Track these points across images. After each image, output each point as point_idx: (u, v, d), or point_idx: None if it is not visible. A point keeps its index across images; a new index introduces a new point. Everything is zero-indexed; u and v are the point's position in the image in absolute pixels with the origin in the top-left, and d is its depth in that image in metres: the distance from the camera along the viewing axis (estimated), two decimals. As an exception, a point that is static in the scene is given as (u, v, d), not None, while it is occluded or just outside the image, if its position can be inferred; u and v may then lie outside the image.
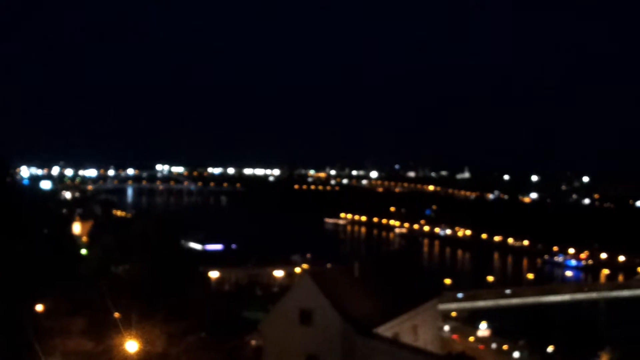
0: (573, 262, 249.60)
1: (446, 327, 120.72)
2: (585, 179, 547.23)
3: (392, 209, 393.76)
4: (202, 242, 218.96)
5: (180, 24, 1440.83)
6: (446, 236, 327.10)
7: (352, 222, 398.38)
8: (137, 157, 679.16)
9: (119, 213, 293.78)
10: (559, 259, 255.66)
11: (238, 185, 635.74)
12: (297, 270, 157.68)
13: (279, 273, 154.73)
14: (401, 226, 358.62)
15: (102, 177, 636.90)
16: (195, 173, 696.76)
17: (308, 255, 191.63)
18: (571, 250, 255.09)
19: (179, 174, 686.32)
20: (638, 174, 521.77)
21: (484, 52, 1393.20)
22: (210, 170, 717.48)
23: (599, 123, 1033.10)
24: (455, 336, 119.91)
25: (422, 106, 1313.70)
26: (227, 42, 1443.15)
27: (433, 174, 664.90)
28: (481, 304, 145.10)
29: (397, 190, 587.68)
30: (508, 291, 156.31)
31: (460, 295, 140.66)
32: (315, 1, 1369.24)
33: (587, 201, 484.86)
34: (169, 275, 61.49)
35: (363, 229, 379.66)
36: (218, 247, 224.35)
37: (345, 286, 55.09)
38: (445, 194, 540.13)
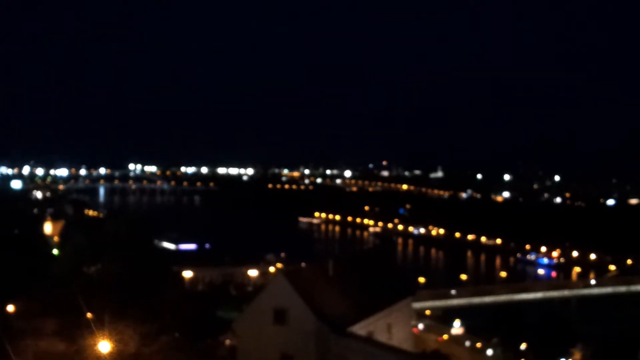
0: (545, 261, 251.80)
1: (420, 326, 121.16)
2: (557, 178, 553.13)
3: (366, 208, 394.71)
4: (176, 242, 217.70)
5: (151, 22, 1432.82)
6: (420, 235, 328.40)
7: (326, 221, 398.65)
8: (109, 157, 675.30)
9: (90, 213, 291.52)
10: (532, 257, 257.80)
11: (211, 184, 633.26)
12: (272, 269, 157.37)
13: (253, 272, 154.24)
14: (375, 225, 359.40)
15: (74, 177, 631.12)
16: (168, 172, 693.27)
17: (282, 255, 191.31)
18: (543, 249, 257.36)
19: (152, 173, 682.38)
20: (608, 173, 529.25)
21: (459, 52, 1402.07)
22: (183, 169, 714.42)
23: (571, 123, 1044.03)
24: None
25: (395, 106, 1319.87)
26: (202, 42, 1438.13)
27: (407, 173, 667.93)
28: (455, 302, 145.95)
29: (370, 189, 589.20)
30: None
31: (433, 293, 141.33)
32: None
33: (558, 200, 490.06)
34: (142, 275, 61.03)
35: (337, 228, 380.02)
36: (192, 246, 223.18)
37: (319, 285, 55.08)
38: (418, 193, 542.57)
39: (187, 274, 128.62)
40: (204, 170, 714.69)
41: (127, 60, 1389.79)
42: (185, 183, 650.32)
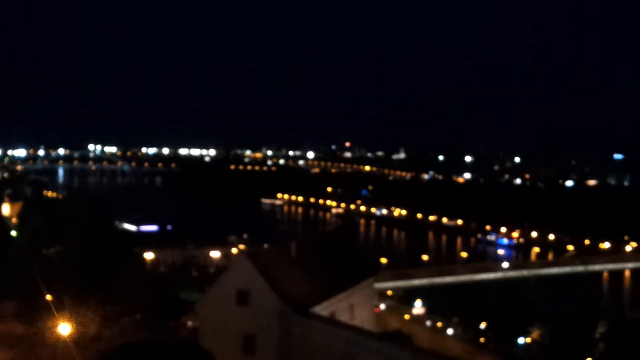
0: (505, 241, 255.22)
1: (382, 306, 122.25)
2: (517, 159, 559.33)
3: (329, 189, 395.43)
4: (137, 224, 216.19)
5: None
6: (382, 216, 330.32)
7: (289, 203, 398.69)
8: (69, 137, 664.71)
9: (49, 194, 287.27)
10: (492, 237, 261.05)
11: (173, 165, 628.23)
12: (234, 251, 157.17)
13: (215, 254, 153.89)
14: (338, 206, 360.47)
15: (32, 157, 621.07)
16: (129, 153, 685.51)
17: (245, 236, 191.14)
18: (503, 229, 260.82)
19: (112, 154, 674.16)
20: (567, 154, 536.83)
21: (420, 35, 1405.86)
22: (144, 150, 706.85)
23: (531, 105, 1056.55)
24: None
25: (358, 87, 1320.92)
26: (169, 20, 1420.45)
27: (369, 155, 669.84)
28: (416, 282, 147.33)
29: (333, 170, 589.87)
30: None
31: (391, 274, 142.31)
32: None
33: (518, 181, 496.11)
34: (102, 257, 60.51)
35: (300, 209, 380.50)
36: (153, 228, 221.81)
37: (282, 266, 55.11)
38: (381, 174, 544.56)
39: (149, 255, 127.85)
40: (166, 151, 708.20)
41: (86, 38, 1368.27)
42: (146, 164, 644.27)
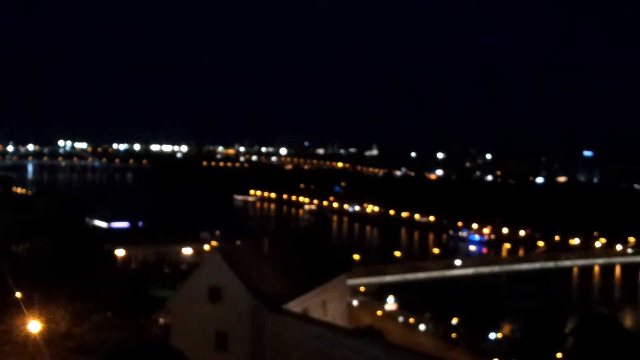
0: (477, 237, 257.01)
1: (355, 302, 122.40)
2: (488, 156, 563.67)
3: (302, 185, 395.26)
4: (108, 220, 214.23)
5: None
6: (355, 212, 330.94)
7: (262, 199, 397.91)
8: (38, 133, 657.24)
9: (19, 190, 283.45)
10: (464, 234, 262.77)
11: (144, 161, 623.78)
12: (206, 247, 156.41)
13: (187, 250, 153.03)
14: (310, 203, 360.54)
15: (1, 153, 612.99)
16: (99, 149, 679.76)
17: (217, 233, 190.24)
18: (475, 226, 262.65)
19: (83, 150, 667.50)
20: (537, 151, 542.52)
21: (395, 34, 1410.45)
22: (115, 146, 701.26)
23: (502, 103, 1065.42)
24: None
25: (331, 84, 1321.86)
26: (143, 17, 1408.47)
27: (342, 151, 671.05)
28: (389, 278, 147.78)
29: (306, 167, 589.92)
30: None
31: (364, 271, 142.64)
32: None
33: (490, 178, 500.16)
34: (73, 254, 59.98)
35: (272, 206, 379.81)
36: (124, 224, 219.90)
37: (254, 263, 54.96)
38: (354, 171, 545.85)
39: (120, 252, 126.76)
40: (137, 147, 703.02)
41: (57, 34, 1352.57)
42: (117, 160, 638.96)
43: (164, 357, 38.05)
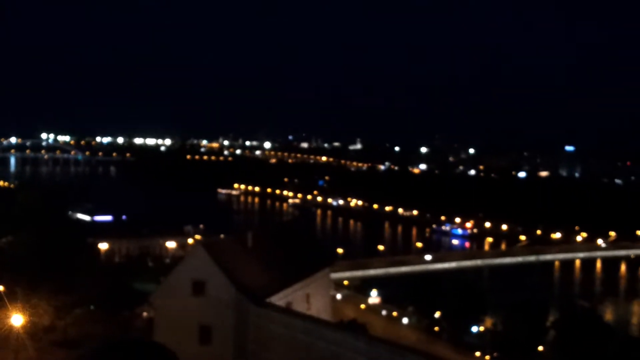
0: (459, 231, 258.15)
1: (338, 296, 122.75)
2: (471, 150, 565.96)
3: (286, 179, 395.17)
4: (91, 213, 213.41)
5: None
6: (339, 206, 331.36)
7: (246, 193, 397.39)
8: (21, 125, 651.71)
9: (1, 183, 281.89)
10: (447, 228, 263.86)
11: (128, 155, 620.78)
12: (190, 241, 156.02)
13: (171, 244, 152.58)
14: (294, 197, 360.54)
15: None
16: (82, 142, 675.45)
17: (201, 226, 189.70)
18: (458, 220, 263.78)
19: (66, 143, 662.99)
20: (520, 146, 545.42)
21: (376, 29, 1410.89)
22: (98, 139, 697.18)
23: (485, 97, 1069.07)
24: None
25: (315, 78, 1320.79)
26: (127, 11, 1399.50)
27: (326, 145, 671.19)
28: (372, 272, 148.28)
29: (290, 161, 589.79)
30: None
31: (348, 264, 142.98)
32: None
33: (472, 172, 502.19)
34: (56, 247, 59.66)
35: (257, 200, 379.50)
36: (107, 218, 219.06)
37: (238, 256, 55.05)
38: (338, 165, 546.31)
39: (103, 246, 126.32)
40: (120, 140, 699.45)
41: (40, 27, 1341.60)
42: (100, 153, 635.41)
43: (147, 352, 38.14)
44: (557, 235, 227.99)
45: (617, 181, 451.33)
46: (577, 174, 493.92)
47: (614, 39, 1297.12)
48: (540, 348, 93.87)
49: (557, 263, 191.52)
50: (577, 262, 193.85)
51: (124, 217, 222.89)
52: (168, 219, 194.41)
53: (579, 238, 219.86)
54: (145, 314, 67.43)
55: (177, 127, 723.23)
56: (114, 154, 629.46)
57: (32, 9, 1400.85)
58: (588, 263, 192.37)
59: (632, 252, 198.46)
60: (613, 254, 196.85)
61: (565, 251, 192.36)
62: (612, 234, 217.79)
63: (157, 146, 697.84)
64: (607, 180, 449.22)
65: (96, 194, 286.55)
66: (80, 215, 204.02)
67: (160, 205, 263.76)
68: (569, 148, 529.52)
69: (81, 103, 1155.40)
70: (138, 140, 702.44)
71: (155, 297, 55.24)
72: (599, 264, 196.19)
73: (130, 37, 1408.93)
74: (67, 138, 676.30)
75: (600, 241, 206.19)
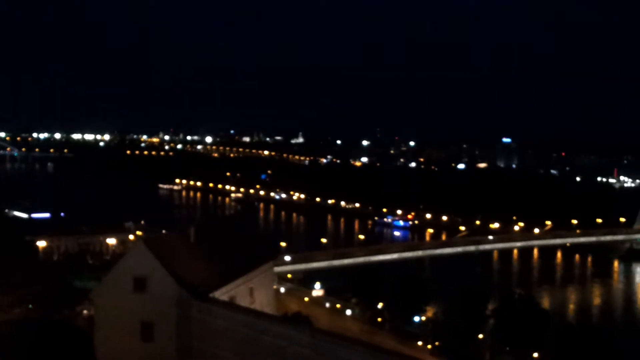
0: (401, 223, 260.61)
1: (282, 289, 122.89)
2: (412, 143, 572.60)
3: (228, 174, 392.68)
4: (28, 211, 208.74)
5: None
6: (281, 200, 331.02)
7: (188, 188, 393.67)
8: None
9: None
10: (388, 220, 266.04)
11: (66, 151, 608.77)
12: (131, 237, 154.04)
13: (111, 241, 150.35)
14: (237, 191, 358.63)
15: None
16: (18, 138, 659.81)
17: (142, 222, 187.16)
18: (399, 212, 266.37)
19: (1, 139, 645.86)
20: (459, 139, 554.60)
21: (314, 25, 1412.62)
22: (35, 135, 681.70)
23: (425, 92, 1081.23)
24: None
25: (258, 72, 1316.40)
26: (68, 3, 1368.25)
27: (268, 139, 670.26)
28: (315, 265, 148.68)
29: (232, 155, 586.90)
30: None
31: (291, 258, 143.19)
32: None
33: (413, 164, 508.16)
34: (-8, 246, 58.55)
35: (199, 195, 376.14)
36: (45, 215, 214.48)
37: (180, 252, 54.95)
38: (280, 159, 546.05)
39: (41, 244, 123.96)
40: (58, 136, 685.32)
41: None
42: (37, 149, 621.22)
43: (66, 333, 37.79)
44: (495, 225, 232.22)
45: (553, 171, 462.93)
46: (514, 165, 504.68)
47: (547, 36, 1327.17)
48: (481, 336, 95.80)
49: (495, 253, 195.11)
50: (515, 252, 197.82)
51: (62, 214, 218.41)
52: (108, 215, 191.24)
53: (516, 228, 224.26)
54: (85, 312, 66.64)
55: (116, 123, 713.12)
56: (52, 150, 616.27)
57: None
58: (525, 252, 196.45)
59: (568, 241, 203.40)
60: (549, 243, 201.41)
61: (503, 241, 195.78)
62: (548, 223, 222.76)
63: (96, 142, 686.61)
64: (542, 170, 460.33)
65: (34, 191, 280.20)
66: (18, 213, 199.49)
67: (100, 202, 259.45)
68: (506, 140, 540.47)
69: (17, 98, 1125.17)
70: (76, 136, 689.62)
71: (96, 294, 54.72)
72: (536, 253, 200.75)
73: (67, 30, 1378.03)
74: (2, 134, 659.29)
75: (536, 230, 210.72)
